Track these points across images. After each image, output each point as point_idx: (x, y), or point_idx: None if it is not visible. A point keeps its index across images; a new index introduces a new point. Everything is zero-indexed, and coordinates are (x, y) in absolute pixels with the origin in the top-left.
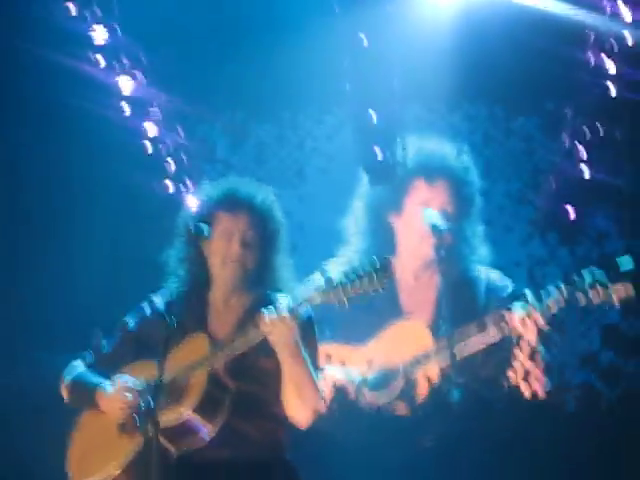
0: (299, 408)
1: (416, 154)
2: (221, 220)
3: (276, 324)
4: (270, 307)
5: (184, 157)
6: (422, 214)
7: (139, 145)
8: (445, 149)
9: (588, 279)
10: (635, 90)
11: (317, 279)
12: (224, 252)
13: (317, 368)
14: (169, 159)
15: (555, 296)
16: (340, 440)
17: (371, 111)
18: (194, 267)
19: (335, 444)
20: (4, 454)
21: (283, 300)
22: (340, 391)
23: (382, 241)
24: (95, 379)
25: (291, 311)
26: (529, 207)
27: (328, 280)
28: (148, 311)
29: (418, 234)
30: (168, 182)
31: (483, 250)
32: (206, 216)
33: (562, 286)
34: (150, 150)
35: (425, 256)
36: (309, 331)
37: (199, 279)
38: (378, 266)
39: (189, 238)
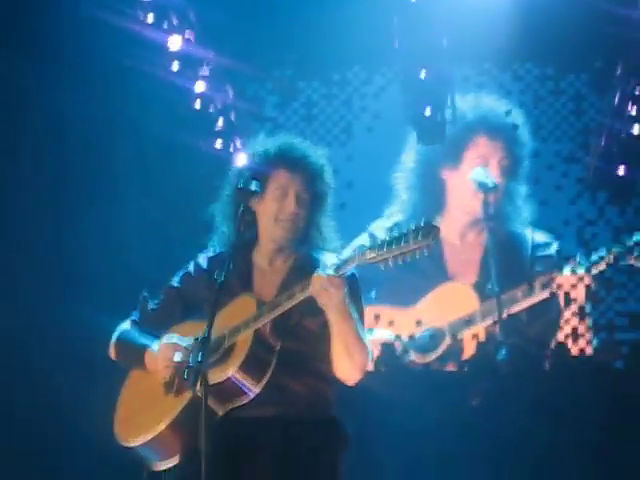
0: (348, 366)
1: (476, 109)
2: (278, 177)
3: (325, 285)
4: (318, 269)
5: (233, 116)
6: (471, 173)
7: (188, 104)
8: (502, 107)
9: (637, 242)
10: None
11: (363, 240)
12: (278, 209)
13: (363, 326)
14: (218, 118)
15: (604, 258)
16: (386, 397)
17: (420, 69)
18: (240, 224)
19: (382, 401)
20: (51, 411)
21: (330, 260)
22: (387, 350)
23: (432, 196)
24: (143, 339)
25: (339, 272)
26: (578, 166)
27: (372, 239)
28: (192, 269)
29: (472, 189)
30: (217, 140)
31: (528, 210)
32: (261, 171)
33: (612, 249)
34: (199, 108)
35: (475, 212)
36: (354, 290)
37: (245, 237)
38: (423, 226)
39: (238, 194)
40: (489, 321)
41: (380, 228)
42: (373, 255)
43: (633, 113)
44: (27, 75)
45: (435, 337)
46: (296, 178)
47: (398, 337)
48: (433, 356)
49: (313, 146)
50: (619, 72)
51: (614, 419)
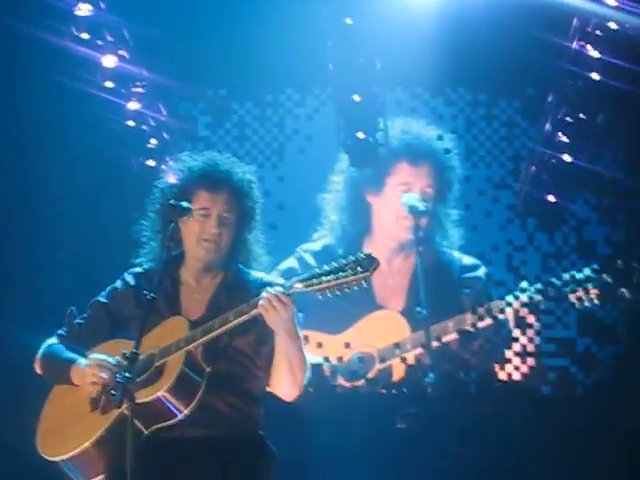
0: (289, 384)
1: (401, 135)
2: (199, 198)
3: (275, 303)
4: (268, 288)
5: (166, 134)
6: (401, 196)
7: (121, 122)
8: (430, 132)
9: (568, 280)
10: (617, 76)
11: (291, 263)
12: (200, 230)
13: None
14: (151, 136)
15: (533, 293)
16: (314, 417)
17: (354, 92)
18: (168, 242)
19: (309, 421)
20: None
21: (260, 278)
22: (316, 371)
23: (358, 219)
24: (69, 353)
25: (288, 291)
26: (509, 192)
27: (304, 265)
28: (119, 285)
29: (395, 214)
30: (150, 159)
31: (457, 234)
32: (184, 192)
33: (541, 286)
34: (132, 126)
35: (400, 238)
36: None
37: (172, 254)
38: (363, 259)
39: (168, 210)
40: (418, 350)
41: (309, 252)
42: (313, 284)
43: (563, 140)
44: None
45: (364, 362)
46: (219, 198)
47: (327, 359)
48: (361, 382)
49: (239, 163)
50: (550, 99)
51: (540, 444)
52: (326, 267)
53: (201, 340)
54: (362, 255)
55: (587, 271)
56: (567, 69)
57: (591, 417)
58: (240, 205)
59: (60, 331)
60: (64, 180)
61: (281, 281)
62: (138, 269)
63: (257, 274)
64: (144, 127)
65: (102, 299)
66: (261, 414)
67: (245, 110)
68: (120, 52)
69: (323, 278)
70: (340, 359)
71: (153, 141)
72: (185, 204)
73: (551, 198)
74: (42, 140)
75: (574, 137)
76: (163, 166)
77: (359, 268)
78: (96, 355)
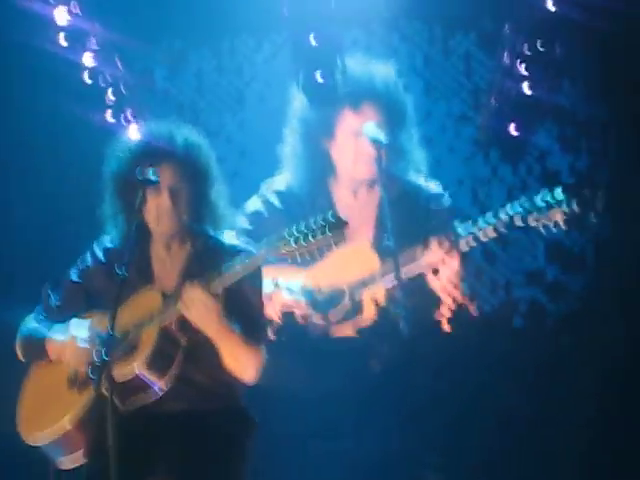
0: (240, 372)
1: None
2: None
3: (195, 305)
4: (192, 283)
5: (123, 88)
6: (362, 130)
7: (77, 77)
8: (370, 71)
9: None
10: (573, 6)
11: (254, 203)
12: (155, 206)
13: (259, 316)
14: (108, 90)
15: (497, 220)
16: (288, 366)
17: (309, 34)
18: (137, 216)
19: (283, 370)
20: None
21: (230, 241)
22: (288, 318)
23: (318, 163)
24: (43, 329)
25: (208, 290)
26: (471, 126)
27: (281, 236)
28: (90, 262)
29: (352, 157)
30: (108, 113)
31: (419, 156)
32: (130, 171)
33: (503, 211)
34: (88, 82)
35: (363, 174)
36: (251, 276)
37: (140, 228)
38: (332, 221)
39: (131, 188)
40: (389, 280)
41: (274, 193)
42: (281, 251)
43: (522, 71)
44: None
45: (335, 297)
46: (165, 170)
47: (296, 292)
48: (333, 315)
49: (179, 128)
50: (507, 30)
51: (514, 376)
52: (295, 231)
53: (173, 312)
54: (331, 218)
55: (547, 196)
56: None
57: (562, 347)
58: (190, 169)
59: (39, 316)
60: (22, 140)
61: (235, 242)
62: (108, 244)
63: (231, 241)
64: (101, 82)
65: (75, 278)
66: (241, 384)
67: (202, 59)
68: (71, 7)
69: (293, 243)
70: (310, 293)
71: (111, 96)
72: (152, 176)
73: (513, 130)
74: None
75: (533, 68)
76: (122, 120)
77: (328, 231)
78: (74, 325)
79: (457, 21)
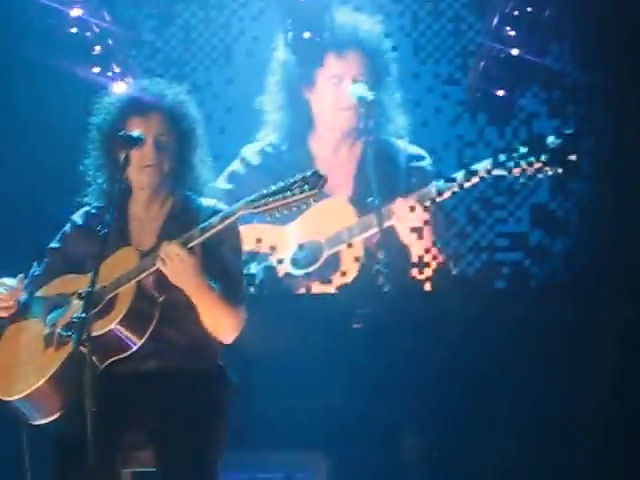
0: (218, 331)
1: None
2: (132, 125)
3: (172, 260)
4: (168, 242)
5: (110, 41)
6: (346, 83)
7: (64, 29)
8: (357, 20)
9: (515, 155)
10: None
11: (236, 166)
12: (140, 157)
13: (238, 276)
14: (96, 43)
15: (480, 171)
16: (269, 323)
17: None
18: (119, 175)
19: (264, 327)
20: None
21: (209, 203)
22: (269, 273)
23: (299, 116)
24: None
25: (186, 245)
26: (458, 88)
27: (246, 166)
28: (68, 227)
29: (332, 107)
30: (95, 66)
31: (401, 120)
32: (118, 122)
33: (487, 163)
34: (75, 33)
35: (341, 128)
36: (230, 236)
37: (120, 189)
38: (310, 176)
39: (115, 145)
40: (367, 233)
41: (253, 152)
42: (259, 207)
43: (511, 34)
44: None
45: (314, 251)
46: (151, 121)
47: (274, 249)
48: (312, 268)
49: (170, 84)
50: None
51: (496, 340)
52: (273, 187)
53: (151, 268)
54: (309, 173)
55: (524, 149)
56: None
57: (546, 310)
58: (176, 127)
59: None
60: (4, 93)
61: (213, 204)
62: (87, 208)
63: (208, 202)
64: (88, 34)
65: (55, 244)
66: (220, 344)
67: (190, 12)
68: None
69: (270, 199)
70: (289, 249)
71: (98, 48)
72: (136, 134)
73: (500, 92)
74: None
75: (522, 31)
76: (109, 73)
77: (306, 186)
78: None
79: None
